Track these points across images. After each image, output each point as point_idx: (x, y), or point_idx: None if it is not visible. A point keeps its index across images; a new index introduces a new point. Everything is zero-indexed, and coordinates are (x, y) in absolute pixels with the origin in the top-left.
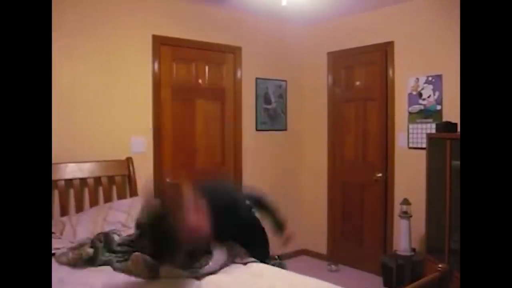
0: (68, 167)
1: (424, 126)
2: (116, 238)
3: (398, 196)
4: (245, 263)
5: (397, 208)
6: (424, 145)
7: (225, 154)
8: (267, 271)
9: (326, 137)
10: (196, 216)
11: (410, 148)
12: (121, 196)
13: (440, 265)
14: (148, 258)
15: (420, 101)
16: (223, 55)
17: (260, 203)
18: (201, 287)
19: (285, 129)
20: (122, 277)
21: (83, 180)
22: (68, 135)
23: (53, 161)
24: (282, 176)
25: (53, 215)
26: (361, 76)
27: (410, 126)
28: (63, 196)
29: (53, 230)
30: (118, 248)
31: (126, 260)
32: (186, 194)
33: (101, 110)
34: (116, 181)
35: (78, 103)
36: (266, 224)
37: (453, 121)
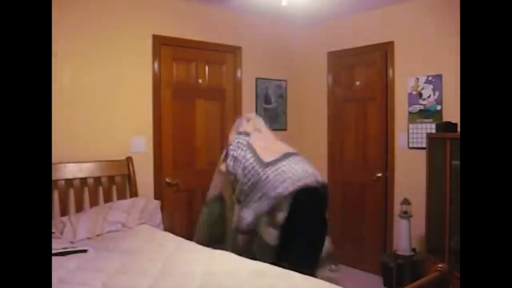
0: (68, 167)
1: (424, 126)
2: None
3: (398, 196)
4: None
5: (397, 208)
6: (424, 145)
7: None
8: (268, 270)
9: (326, 137)
10: None
11: (410, 148)
12: (121, 196)
13: (440, 265)
14: None
15: (420, 101)
16: (223, 55)
17: None
18: (202, 287)
19: (285, 129)
20: (121, 276)
21: (83, 180)
22: (68, 135)
23: (53, 161)
24: None
25: (53, 215)
26: (361, 76)
27: (410, 126)
28: (63, 196)
29: (53, 230)
30: None
31: None
32: None
33: (101, 110)
34: (116, 181)
35: (78, 103)
36: None
37: (453, 121)
